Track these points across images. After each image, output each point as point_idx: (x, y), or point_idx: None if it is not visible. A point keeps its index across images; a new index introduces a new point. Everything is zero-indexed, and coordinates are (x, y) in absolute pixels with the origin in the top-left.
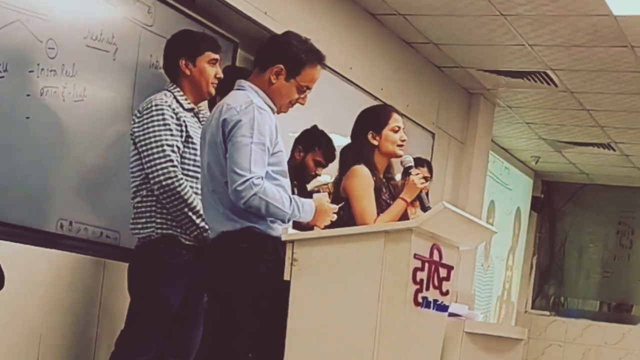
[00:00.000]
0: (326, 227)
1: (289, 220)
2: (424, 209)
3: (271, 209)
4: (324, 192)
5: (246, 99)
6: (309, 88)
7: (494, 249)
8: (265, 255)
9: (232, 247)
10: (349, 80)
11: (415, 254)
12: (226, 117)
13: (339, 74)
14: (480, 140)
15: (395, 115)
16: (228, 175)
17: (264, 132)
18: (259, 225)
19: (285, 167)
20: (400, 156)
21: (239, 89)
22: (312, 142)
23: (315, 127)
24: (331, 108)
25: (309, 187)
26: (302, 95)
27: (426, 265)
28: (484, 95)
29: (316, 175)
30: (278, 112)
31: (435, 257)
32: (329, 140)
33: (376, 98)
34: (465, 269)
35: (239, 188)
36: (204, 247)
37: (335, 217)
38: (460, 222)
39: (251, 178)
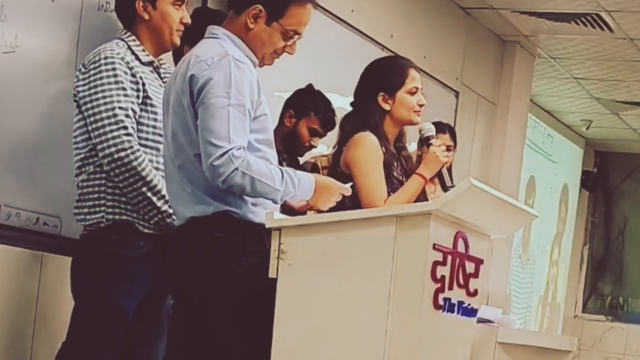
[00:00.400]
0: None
1: (281, 200)
2: (446, 187)
3: (258, 186)
4: (318, 164)
5: (220, 50)
6: (297, 33)
7: (534, 237)
8: (246, 246)
9: (204, 236)
10: (351, 25)
11: (434, 244)
12: (195, 72)
13: (338, 17)
14: (516, 100)
15: (413, 73)
16: (201, 147)
17: (243, 90)
18: (237, 208)
19: (271, 135)
20: (417, 123)
21: (210, 37)
22: (307, 105)
23: (310, 86)
24: (329, 61)
25: (302, 160)
26: (289, 43)
27: (449, 258)
28: (520, 43)
29: (311, 146)
30: (260, 65)
31: (460, 247)
32: (328, 103)
33: (385, 48)
34: (498, 262)
35: (216, 162)
36: (167, 237)
37: (340, 197)
38: (492, 203)
39: (231, 149)
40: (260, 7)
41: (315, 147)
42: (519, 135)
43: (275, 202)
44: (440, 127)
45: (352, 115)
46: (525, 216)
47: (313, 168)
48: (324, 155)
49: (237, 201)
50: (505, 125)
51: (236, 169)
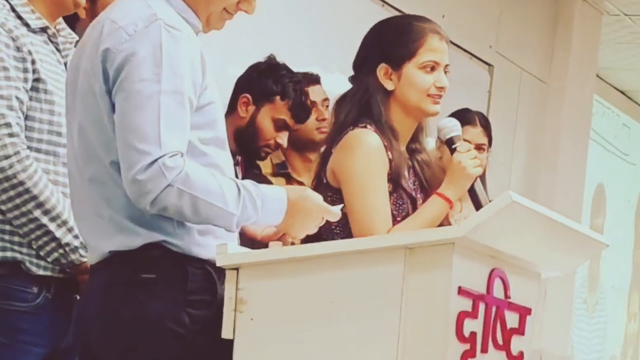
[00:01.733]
0: (305, 239)
1: (238, 227)
2: (478, 204)
3: (203, 209)
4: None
5: (146, 12)
6: None
7: (605, 273)
8: (189, 294)
9: (128, 279)
10: None
11: (460, 288)
12: (110, 45)
13: None
14: (576, 76)
15: (432, 40)
16: (120, 153)
17: (181, 70)
18: (177, 238)
19: (222, 131)
20: (433, 114)
21: None
22: (268, 85)
23: (272, 58)
24: (307, 24)
25: (263, 167)
26: None
27: (481, 307)
28: None
29: (277, 146)
30: (205, 31)
31: (498, 291)
32: (298, 81)
33: (386, 4)
34: (554, 310)
35: (142, 176)
36: (74, 281)
37: (323, 221)
38: (542, 227)
39: (162, 157)
40: None
41: (283, 146)
42: (581, 126)
43: (229, 229)
44: (468, 117)
45: (345, 97)
46: (591, 245)
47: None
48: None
49: (177, 229)
50: (561, 112)
51: (170, 184)
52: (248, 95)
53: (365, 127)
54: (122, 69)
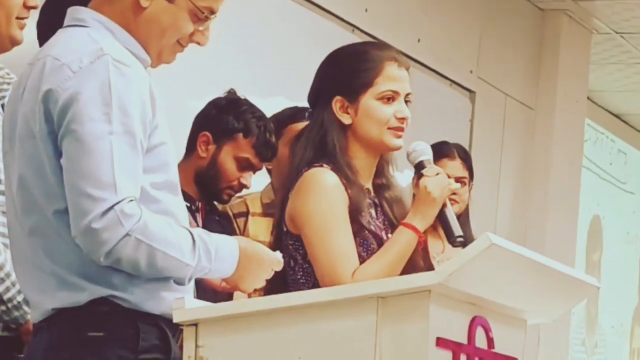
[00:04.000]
0: (259, 291)
1: (190, 280)
2: (449, 232)
3: (159, 261)
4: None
5: (91, 46)
6: (212, 12)
7: (604, 312)
8: (140, 353)
9: (74, 338)
10: None
11: (438, 338)
12: (53, 85)
13: None
14: (565, 101)
15: (390, 68)
16: (70, 201)
17: (131, 109)
18: (125, 292)
19: (175, 175)
20: (395, 149)
21: (74, 26)
22: (230, 122)
23: (232, 92)
24: (271, 52)
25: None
26: (200, 28)
27: (462, 358)
28: (568, 12)
29: (241, 187)
30: (155, 64)
31: (480, 341)
32: (262, 117)
33: (356, 29)
34: (549, 356)
35: (97, 224)
36: (19, 339)
37: (272, 273)
38: (526, 270)
39: (119, 203)
40: None
41: (247, 186)
42: (573, 154)
43: (181, 283)
44: (445, 150)
45: (302, 135)
46: (581, 287)
47: (238, 214)
48: (239, 197)
49: (126, 282)
50: (551, 140)
51: (127, 234)
52: (208, 134)
53: (321, 165)
54: (67, 109)
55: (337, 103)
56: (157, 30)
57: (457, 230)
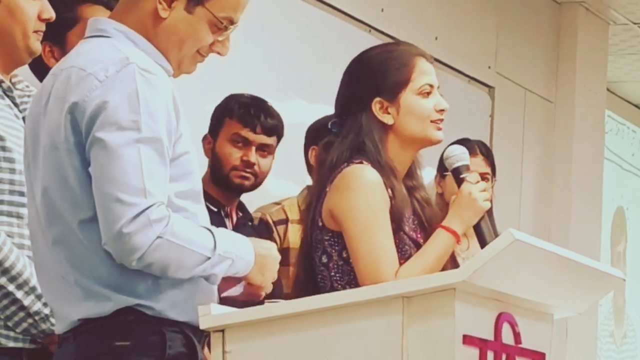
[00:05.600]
0: (270, 295)
1: (219, 278)
2: (484, 242)
3: (188, 260)
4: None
5: (116, 55)
6: (232, 23)
7: (632, 303)
8: None
9: (100, 348)
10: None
11: (465, 336)
12: (79, 94)
13: None
14: (585, 93)
15: (422, 63)
16: (100, 207)
17: (158, 116)
18: (151, 300)
19: (198, 183)
20: (438, 141)
21: (96, 36)
22: (217, 113)
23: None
24: (286, 55)
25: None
26: (220, 38)
27: (489, 355)
28: (584, 4)
29: (246, 164)
30: (176, 75)
31: (507, 337)
32: (245, 97)
33: (373, 29)
34: (576, 349)
35: (128, 229)
36: (47, 351)
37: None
38: (550, 264)
39: (149, 208)
40: None
41: (252, 163)
42: (594, 146)
43: (213, 281)
44: (467, 146)
45: (335, 138)
46: (606, 280)
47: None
48: (277, 203)
49: (151, 290)
50: (572, 132)
51: (158, 237)
52: (208, 135)
53: (361, 162)
54: (95, 118)
55: (376, 105)
56: (176, 41)
57: (491, 235)
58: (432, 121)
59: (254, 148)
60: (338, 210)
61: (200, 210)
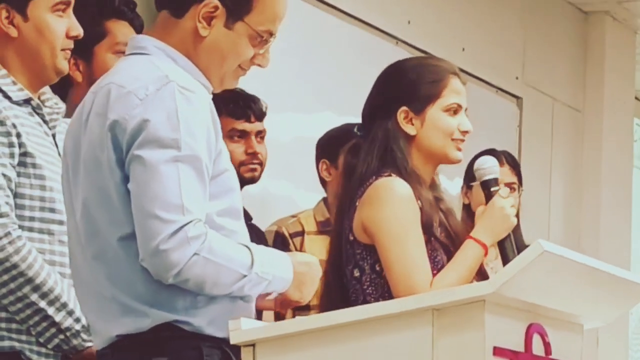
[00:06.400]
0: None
1: (256, 293)
2: (506, 259)
3: (224, 277)
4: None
5: (156, 73)
6: (271, 34)
7: None
8: None
9: None
10: (343, 12)
11: (495, 348)
12: (119, 111)
13: (328, 3)
14: (613, 101)
15: (454, 82)
16: (138, 223)
17: (198, 134)
18: (189, 316)
19: (239, 201)
20: (456, 161)
21: (135, 54)
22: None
23: None
24: (313, 67)
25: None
26: (260, 51)
27: None
28: (611, 14)
29: (252, 155)
30: (217, 90)
31: (537, 349)
32: (241, 92)
33: (400, 41)
34: (606, 358)
35: (166, 245)
36: None
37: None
38: (579, 275)
39: (186, 225)
40: (215, 1)
41: (255, 151)
42: (623, 154)
43: (248, 299)
44: (494, 157)
45: (360, 146)
46: (636, 290)
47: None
48: (293, 216)
49: (189, 306)
50: (600, 141)
51: (195, 253)
52: None
53: (390, 175)
54: (136, 136)
55: (401, 114)
56: (218, 58)
57: (513, 250)
58: (453, 139)
59: (253, 137)
60: (370, 223)
61: (240, 227)
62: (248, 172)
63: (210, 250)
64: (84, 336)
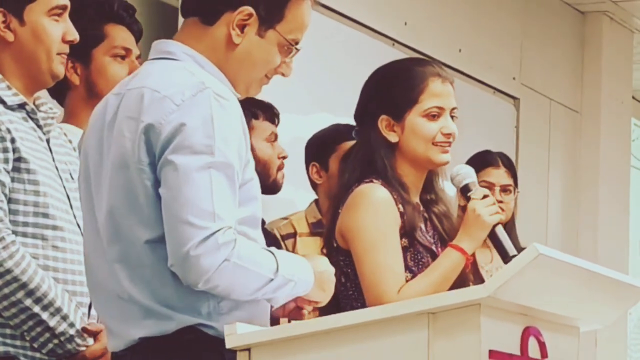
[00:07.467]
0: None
1: (282, 300)
2: (502, 251)
3: (252, 282)
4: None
5: (191, 79)
6: (297, 43)
7: None
8: None
9: None
10: (339, 13)
11: (491, 351)
12: (155, 117)
13: (325, 5)
14: (610, 102)
15: (434, 85)
16: (169, 228)
17: (231, 142)
18: (211, 320)
19: (259, 209)
20: (442, 164)
21: (164, 58)
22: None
23: None
24: (310, 69)
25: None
26: (286, 59)
27: None
28: (608, 14)
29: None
30: (242, 98)
31: (533, 351)
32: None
33: (396, 42)
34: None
35: (196, 251)
36: None
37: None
38: (575, 277)
39: (217, 232)
40: (250, 9)
41: (286, 156)
42: (620, 154)
43: (275, 302)
44: (489, 159)
45: (351, 152)
46: (631, 291)
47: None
48: (284, 218)
49: (212, 310)
50: (598, 142)
51: (226, 259)
52: None
53: (371, 181)
54: (171, 140)
55: (382, 122)
56: (248, 65)
57: (511, 249)
58: (435, 143)
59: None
60: (346, 230)
61: (259, 236)
62: (282, 178)
63: (239, 255)
64: (78, 341)
